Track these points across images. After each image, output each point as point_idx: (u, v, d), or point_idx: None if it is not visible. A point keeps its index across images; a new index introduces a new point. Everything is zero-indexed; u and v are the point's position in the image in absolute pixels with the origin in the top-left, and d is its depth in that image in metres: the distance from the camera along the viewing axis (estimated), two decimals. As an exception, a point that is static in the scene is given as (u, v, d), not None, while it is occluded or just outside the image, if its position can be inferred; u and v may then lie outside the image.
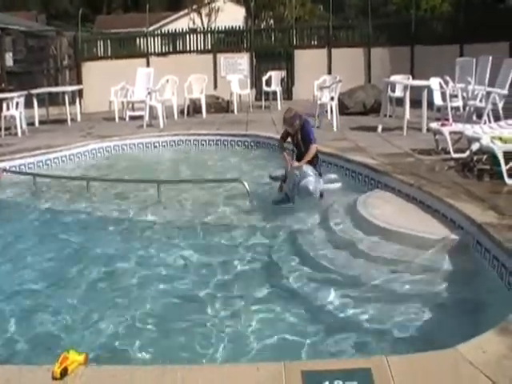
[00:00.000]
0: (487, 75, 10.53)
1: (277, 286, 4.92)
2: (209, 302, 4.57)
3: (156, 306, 4.56)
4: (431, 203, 5.89)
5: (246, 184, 7.16)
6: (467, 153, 7.24)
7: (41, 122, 13.89)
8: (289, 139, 7.50)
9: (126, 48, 19.61)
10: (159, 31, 21.36)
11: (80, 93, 16.38)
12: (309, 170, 6.93)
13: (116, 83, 14.94)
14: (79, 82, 17.80)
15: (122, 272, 5.34)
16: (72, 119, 14.37)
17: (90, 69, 18.10)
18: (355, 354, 3.70)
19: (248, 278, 5.09)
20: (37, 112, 13.82)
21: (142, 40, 19.52)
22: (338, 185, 7.40)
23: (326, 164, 8.43)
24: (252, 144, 10.83)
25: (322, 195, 7.08)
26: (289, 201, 7.02)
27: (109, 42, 19.55)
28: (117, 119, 14.25)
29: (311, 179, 6.80)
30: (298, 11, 27.98)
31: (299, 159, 7.21)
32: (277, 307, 4.46)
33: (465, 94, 10.63)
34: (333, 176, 7.50)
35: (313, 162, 7.16)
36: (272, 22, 26.84)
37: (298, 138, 7.29)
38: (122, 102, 14.91)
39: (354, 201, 6.53)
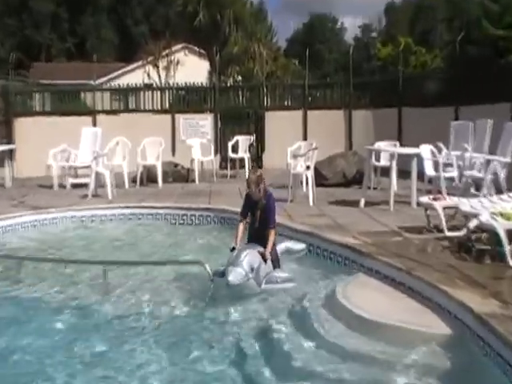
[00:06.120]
0: (486, 141, 10.78)
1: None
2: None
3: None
4: (422, 290, 5.97)
5: (207, 267, 7.16)
6: (464, 231, 7.36)
7: (-36, 188, 13.81)
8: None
9: (68, 103, 19.71)
10: (108, 85, 21.61)
11: (11, 153, 16.30)
12: (246, 259, 6.92)
13: (56, 144, 14.86)
14: (10, 140, 17.70)
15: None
16: (1, 185, 14.30)
17: (24, 126, 18.11)
18: None
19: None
20: (-41, 176, 13.77)
21: (87, 95, 19.68)
22: (289, 285, 7.25)
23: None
24: (215, 220, 10.86)
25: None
26: (223, 276, 6.98)
27: (48, 94, 19.64)
28: (56, 187, 14.21)
29: (239, 270, 6.78)
30: (270, 66, 28.47)
31: (253, 237, 7.44)
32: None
33: (461, 163, 10.85)
34: (284, 275, 7.35)
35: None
36: (240, 78, 27.28)
37: (258, 214, 7.48)
38: (63, 167, 14.82)
39: (333, 287, 6.57)
